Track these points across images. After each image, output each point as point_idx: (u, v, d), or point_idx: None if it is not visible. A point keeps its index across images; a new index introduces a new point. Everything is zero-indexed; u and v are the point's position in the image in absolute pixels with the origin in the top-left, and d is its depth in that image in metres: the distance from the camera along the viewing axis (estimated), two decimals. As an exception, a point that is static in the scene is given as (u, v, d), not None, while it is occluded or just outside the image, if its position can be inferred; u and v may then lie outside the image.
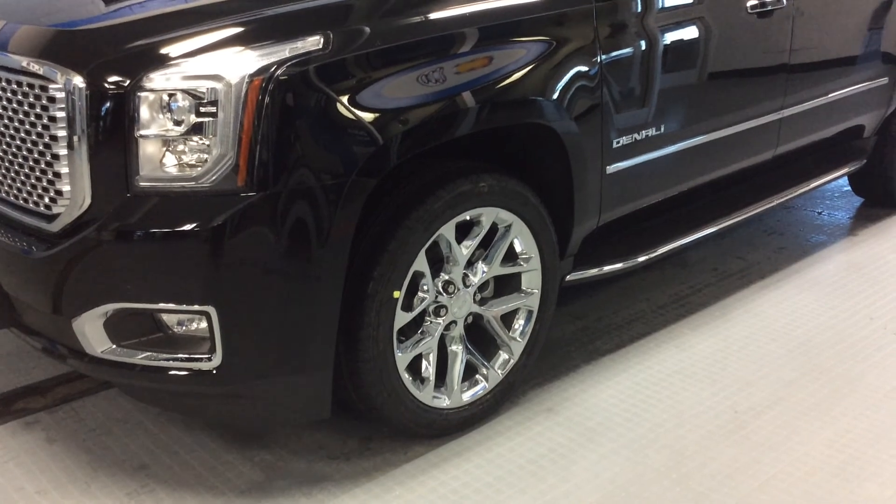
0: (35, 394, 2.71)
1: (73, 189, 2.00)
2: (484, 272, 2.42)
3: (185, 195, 1.96)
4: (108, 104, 1.95)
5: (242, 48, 1.95)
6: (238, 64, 1.91)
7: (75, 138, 1.97)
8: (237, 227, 1.94)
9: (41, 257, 2.06)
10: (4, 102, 2.13)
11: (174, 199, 1.97)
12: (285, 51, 1.95)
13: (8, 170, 2.18)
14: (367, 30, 2.09)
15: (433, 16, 2.21)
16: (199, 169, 1.94)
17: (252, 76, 1.90)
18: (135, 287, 2.01)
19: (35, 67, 2.03)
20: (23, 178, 2.14)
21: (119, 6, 2.45)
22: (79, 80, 1.95)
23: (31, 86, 2.04)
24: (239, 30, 2.03)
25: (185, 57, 1.94)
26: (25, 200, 2.15)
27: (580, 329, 3.08)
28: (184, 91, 1.91)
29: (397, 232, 2.16)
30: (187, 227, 1.94)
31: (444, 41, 2.20)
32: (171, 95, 1.92)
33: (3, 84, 2.13)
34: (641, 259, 2.90)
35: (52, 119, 2.00)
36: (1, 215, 2.25)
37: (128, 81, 1.93)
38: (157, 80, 1.92)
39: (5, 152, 2.17)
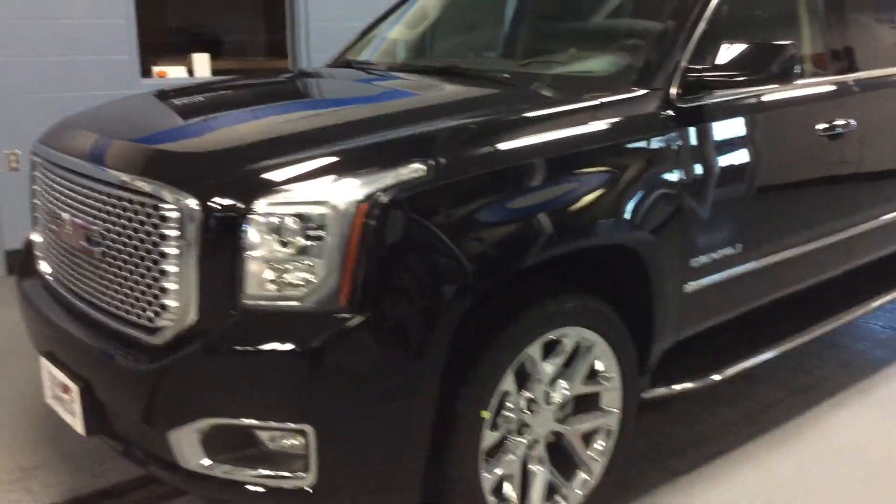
0: (110, 498, 2.72)
1: (179, 304, 2.06)
2: (566, 391, 2.43)
3: (288, 314, 2.01)
4: (219, 225, 2.02)
5: (348, 175, 2.03)
6: (346, 190, 1.99)
7: (185, 256, 2.04)
8: (337, 347, 1.98)
9: (143, 369, 2.11)
10: (113, 217, 2.21)
11: (278, 318, 2.02)
12: (389, 178, 2.03)
13: (111, 281, 2.25)
14: (461, 158, 2.17)
15: (508, 146, 2.28)
16: (304, 289, 2.00)
17: (359, 202, 1.97)
18: (235, 403, 2.05)
19: (145, 186, 2.12)
20: (126, 290, 2.20)
21: (200, 121, 2.57)
22: (192, 202, 2.02)
23: (141, 203, 2.12)
24: (342, 157, 2.12)
25: (296, 182, 2.03)
26: (127, 312, 2.22)
27: (652, 445, 3.05)
28: (294, 215, 1.99)
29: (487, 352, 2.19)
30: (290, 345, 1.98)
31: (525, 170, 2.26)
32: (281, 219, 1.99)
33: (111, 199, 2.21)
34: (715, 378, 2.89)
35: (162, 237, 2.07)
36: (100, 324, 2.31)
37: (240, 204, 2.01)
38: (269, 204, 2.00)
39: (110, 264, 2.24)
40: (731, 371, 2.94)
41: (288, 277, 2.01)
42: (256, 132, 2.43)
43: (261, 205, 2.00)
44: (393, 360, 2.03)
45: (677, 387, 2.82)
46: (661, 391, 2.80)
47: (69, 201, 2.39)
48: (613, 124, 2.49)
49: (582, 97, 2.55)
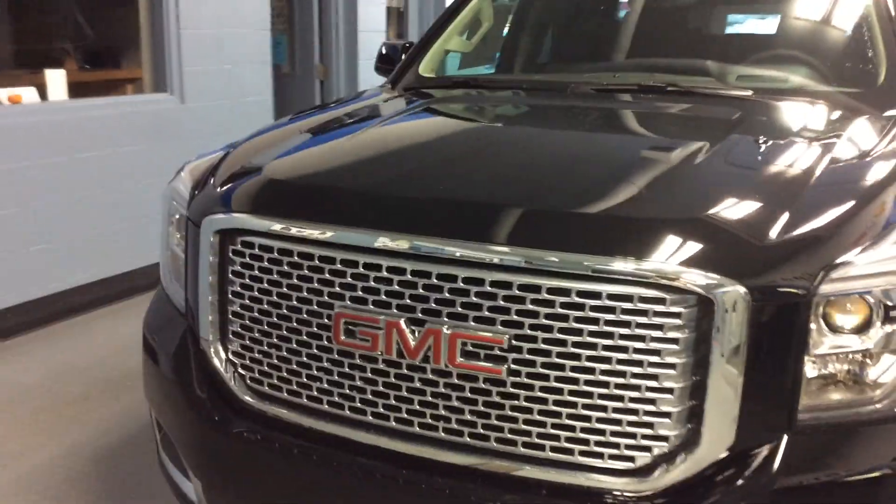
0: None
1: (710, 432, 1.45)
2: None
3: (861, 425, 1.50)
4: (769, 317, 1.44)
5: (904, 233, 1.55)
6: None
7: (715, 365, 1.43)
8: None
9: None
10: (545, 320, 1.48)
11: (844, 433, 1.50)
12: None
13: (530, 410, 1.52)
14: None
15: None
16: (881, 390, 1.50)
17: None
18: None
19: (647, 272, 1.44)
20: (570, 418, 1.51)
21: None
22: (737, 288, 1.42)
23: (617, 296, 1.44)
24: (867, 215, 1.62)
25: (859, 249, 1.50)
26: (562, 450, 1.52)
27: None
28: (870, 293, 1.48)
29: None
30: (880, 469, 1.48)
31: None
32: (853, 301, 1.48)
33: (543, 296, 1.48)
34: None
35: (668, 340, 1.44)
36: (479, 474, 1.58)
37: (801, 286, 1.45)
38: (836, 281, 1.46)
39: (528, 386, 1.51)
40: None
41: (862, 377, 1.50)
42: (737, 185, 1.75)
43: (834, 283, 1.46)
44: None
45: None
46: None
47: (411, 302, 1.56)
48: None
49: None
